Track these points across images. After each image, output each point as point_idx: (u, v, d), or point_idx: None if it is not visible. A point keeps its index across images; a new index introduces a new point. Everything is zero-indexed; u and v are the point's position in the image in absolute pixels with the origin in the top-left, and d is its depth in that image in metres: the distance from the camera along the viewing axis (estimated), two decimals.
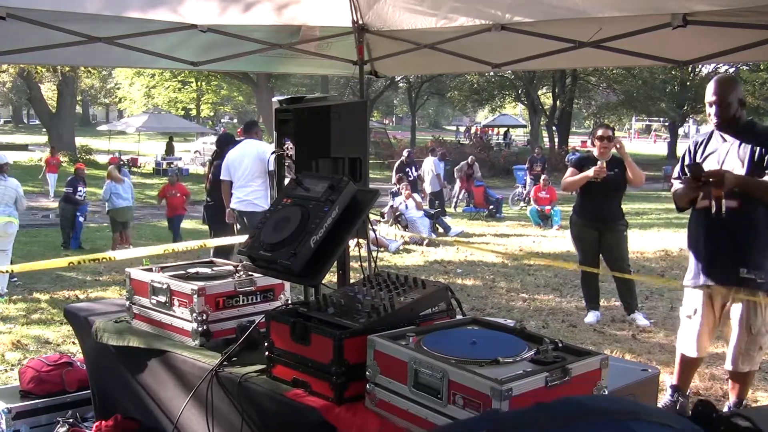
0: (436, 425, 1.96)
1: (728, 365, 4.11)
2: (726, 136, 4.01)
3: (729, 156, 3.96)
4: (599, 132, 6.73)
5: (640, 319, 6.77)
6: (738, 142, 3.95)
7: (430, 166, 16.69)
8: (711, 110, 4.00)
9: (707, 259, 4.07)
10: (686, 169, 4.02)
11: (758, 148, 3.88)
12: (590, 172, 6.45)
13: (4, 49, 4.14)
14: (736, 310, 4.01)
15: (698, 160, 4.08)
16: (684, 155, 4.30)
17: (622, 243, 6.72)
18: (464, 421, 1.74)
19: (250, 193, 7.74)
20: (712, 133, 4.13)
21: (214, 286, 2.95)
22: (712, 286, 4.07)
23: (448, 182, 18.60)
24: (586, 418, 1.04)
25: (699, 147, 4.16)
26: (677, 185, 4.22)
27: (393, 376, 2.12)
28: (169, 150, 31.81)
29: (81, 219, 12.52)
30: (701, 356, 4.24)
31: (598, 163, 6.45)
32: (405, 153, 17.61)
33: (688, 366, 4.31)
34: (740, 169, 3.89)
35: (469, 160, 19.47)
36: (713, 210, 3.88)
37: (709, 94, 3.99)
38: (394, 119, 66.14)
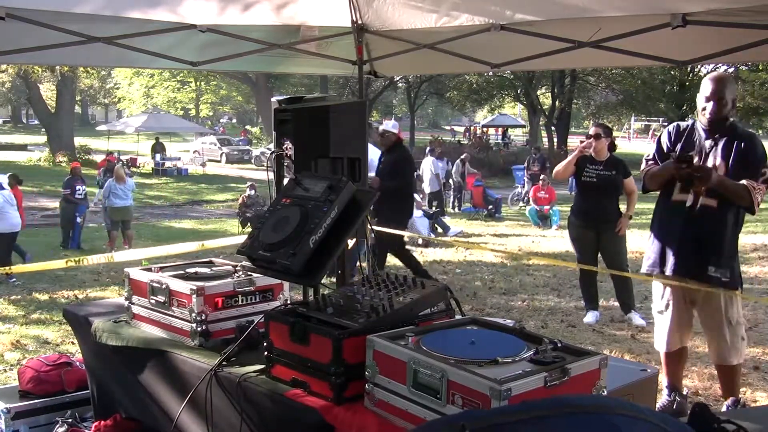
0: None
1: (719, 360, 4.11)
2: (712, 134, 4.00)
3: (712, 155, 3.96)
4: (590, 130, 6.81)
5: (636, 318, 6.77)
6: (723, 142, 3.96)
7: (429, 166, 16.69)
8: (708, 105, 3.96)
9: (677, 252, 4.08)
10: (676, 155, 3.96)
11: (741, 151, 3.89)
12: (576, 152, 6.56)
13: (4, 49, 4.14)
14: (714, 305, 4.03)
15: (675, 149, 4.09)
16: (660, 139, 4.27)
17: (620, 243, 6.72)
18: (446, 417, 1.75)
19: None
20: (693, 126, 4.11)
21: (213, 286, 2.95)
22: (678, 278, 4.08)
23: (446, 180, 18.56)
24: (565, 411, 1.05)
25: (679, 137, 4.13)
26: (648, 166, 4.19)
27: (392, 376, 2.12)
28: (158, 149, 31.50)
29: (79, 220, 12.50)
30: (674, 350, 4.25)
31: (585, 141, 6.54)
32: None
33: (670, 361, 4.32)
34: (722, 170, 3.90)
35: (463, 156, 19.46)
36: (688, 203, 3.95)
37: (707, 89, 3.96)
38: (393, 119, 66.12)
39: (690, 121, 4.22)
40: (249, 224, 13.85)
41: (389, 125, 8.09)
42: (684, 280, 4.09)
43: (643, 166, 4.27)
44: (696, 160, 3.96)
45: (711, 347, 4.19)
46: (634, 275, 6.78)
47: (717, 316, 4.03)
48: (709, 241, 3.98)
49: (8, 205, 9.60)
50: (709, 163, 3.94)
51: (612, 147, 6.73)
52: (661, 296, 4.25)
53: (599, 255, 6.84)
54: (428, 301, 2.51)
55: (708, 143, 4.00)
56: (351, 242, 2.92)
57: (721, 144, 3.96)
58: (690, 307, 4.18)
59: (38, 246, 12.37)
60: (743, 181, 3.83)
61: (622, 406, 1.08)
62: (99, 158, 28.71)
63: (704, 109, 3.99)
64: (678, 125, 4.24)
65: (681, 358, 4.37)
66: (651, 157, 4.25)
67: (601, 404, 1.09)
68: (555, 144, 35.60)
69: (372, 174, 8.60)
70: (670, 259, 4.11)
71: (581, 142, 6.80)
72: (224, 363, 2.66)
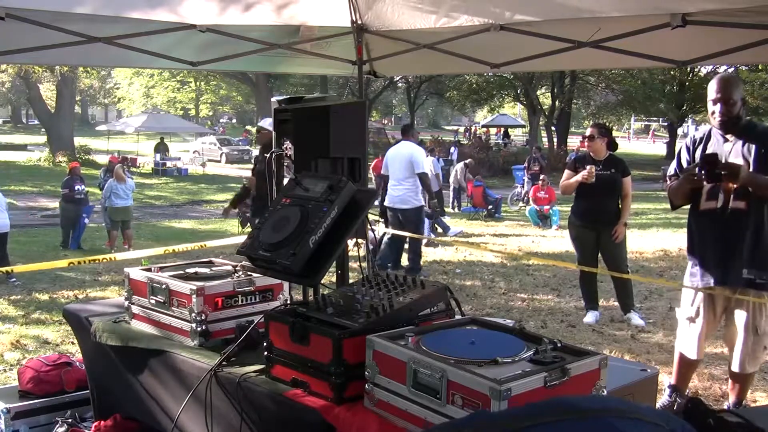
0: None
1: (734, 367, 4.08)
2: (728, 136, 3.98)
3: (732, 156, 3.92)
4: (587, 131, 6.80)
5: (635, 319, 6.77)
6: (741, 141, 3.92)
7: (429, 167, 16.69)
8: (715, 108, 3.94)
9: (712, 260, 4.05)
10: (701, 159, 3.93)
11: (761, 147, 3.86)
12: (579, 177, 6.49)
13: (4, 49, 4.14)
14: (741, 311, 4.00)
15: (697, 158, 4.07)
16: (680, 152, 4.27)
17: (620, 244, 6.71)
18: (451, 422, 1.75)
19: (402, 191, 8.78)
20: (710, 132, 4.10)
21: (212, 286, 2.95)
22: (715, 287, 4.05)
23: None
24: (568, 415, 1.05)
25: (698, 145, 4.12)
26: (672, 182, 4.19)
27: (392, 376, 2.12)
28: (161, 149, 31.55)
29: (86, 221, 12.50)
30: (701, 358, 4.25)
31: (587, 167, 6.46)
32: None
33: (688, 367, 4.30)
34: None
35: (467, 161, 19.45)
36: (718, 204, 3.90)
37: (713, 91, 3.94)
38: (393, 119, 66.11)
39: (706, 129, 4.19)
40: (249, 224, 13.83)
41: (266, 122, 7.43)
42: (720, 288, 4.04)
43: (668, 184, 4.24)
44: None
45: (732, 352, 4.14)
46: (634, 276, 6.79)
47: (743, 323, 4.00)
48: (743, 244, 3.94)
49: None
50: None
51: (612, 146, 6.72)
52: (691, 303, 4.19)
53: (599, 255, 6.84)
54: (428, 301, 2.51)
55: (727, 146, 3.96)
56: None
57: (739, 144, 3.93)
58: (717, 316, 4.14)
59: (38, 246, 12.38)
60: None
61: (627, 408, 1.08)
62: (99, 158, 28.76)
63: (713, 112, 3.97)
64: (694, 137, 4.24)
65: (697, 365, 4.37)
66: (673, 173, 4.23)
67: (608, 407, 1.09)
68: (555, 144, 35.61)
69: (421, 171, 8.91)
70: (711, 271, 4.05)
71: (581, 143, 6.79)
72: (224, 363, 2.66)
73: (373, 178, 16.88)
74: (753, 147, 3.88)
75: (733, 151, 3.94)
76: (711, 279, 4.06)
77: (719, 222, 3.98)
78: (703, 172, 3.84)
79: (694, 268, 4.16)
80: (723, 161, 3.88)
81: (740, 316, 4.01)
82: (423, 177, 8.98)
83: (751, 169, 3.85)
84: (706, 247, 4.09)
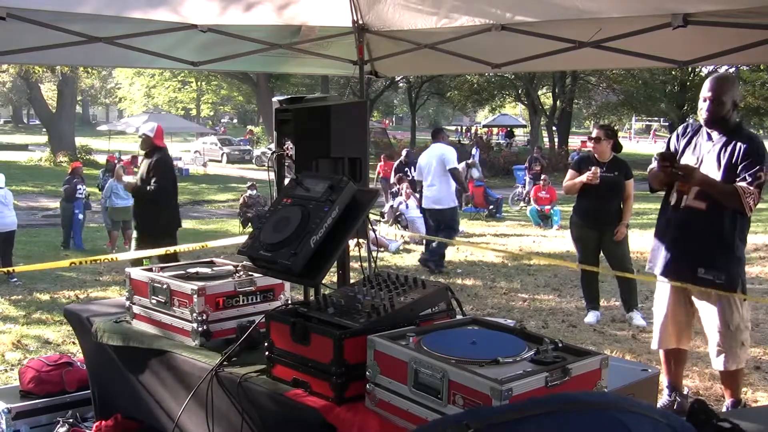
0: None
1: (716, 365, 4.10)
2: (712, 135, 4.00)
3: (709, 156, 3.96)
4: (593, 132, 6.79)
5: (637, 318, 6.77)
6: (721, 143, 3.95)
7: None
8: (704, 105, 3.98)
9: (668, 254, 4.11)
10: (659, 155, 4.05)
11: (738, 153, 3.86)
12: (583, 178, 6.49)
13: (5, 49, 4.15)
14: (710, 307, 4.01)
15: (680, 148, 4.12)
16: (670, 139, 4.33)
17: (623, 243, 6.71)
18: (445, 417, 1.75)
19: (436, 191, 9.06)
20: (700, 127, 4.12)
21: (214, 286, 2.95)
22: (676, 281, 4.09)
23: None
24: (568, 407, 1.05)
25: (683, 137, 4.16)
26: (654, 165, 4.23)
27: (393, 376, 2.12)
28: None
29: (80, 216, 12.48)
30: (668, 348, 4.26)
31: (592, 168, 6.46)
32: (404, 153, 17.58)
33: (668, 361, 4.32)
34: (716, 171, 3.89)
35: (469, 161, 19.45)
36: (672, 202, 4.03)
37: (705, 89, 3.98)
38: (394, 119, 66.11)
39: (698, 124, 4.22)
40: (250, 224, 13.85)
41: (146, 128, 7.56)
42: (677, 281, 4.08)
43: (651, 165, 4.27)
44: (694, 160, 3.96)
45: (709, 350, 4.16)
46: (636, 276, 6.78)
47: (713, 320, 4.01)
48: (699, 243, 3.97)
49: (2, 205, 9.56)
50: (706, 164, 3.92)
51: (617, 148, 6.72)
52: (660, 294, 4.26)
53: (601, 255, 6.83)
54: (429, 301, 2.52)
55: (708, 145, 3.99)
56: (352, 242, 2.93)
57: (719, 145, 3.95)
58: (689, 310, 4.15)
59: (39, 246, 12.38)
60: (741, 183, 3.79)
61: (627, 403, 1.09)
62: (100, 158, 28.77)
63: (701, 109, 4.01)
64: (686, 126, 4.28)
65: (679, 359, 4.35)
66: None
67: (608, 401, 1.09)
68: (556, 144, 35.60)
69: (452, 167, 9.15)
70: (662, 260, 4.14)
71: (583, 143, 6.80)
72: (225, 363, 2.66)
73: (378, 180, 16.95)
74: (728, 151, 3.89)
75: (712, 152, 3.96)
76: (660, 268, 4.15)
77: (674, 217, 4.07)
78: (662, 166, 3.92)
79: (651, 253, 4.25)
80: (697, 163, 3.94)
81: (711, 312, 4.01)
82: (454, 172, 9.29)
83: (720, 173, 3.87)
84: (662, 237, 4.18)
